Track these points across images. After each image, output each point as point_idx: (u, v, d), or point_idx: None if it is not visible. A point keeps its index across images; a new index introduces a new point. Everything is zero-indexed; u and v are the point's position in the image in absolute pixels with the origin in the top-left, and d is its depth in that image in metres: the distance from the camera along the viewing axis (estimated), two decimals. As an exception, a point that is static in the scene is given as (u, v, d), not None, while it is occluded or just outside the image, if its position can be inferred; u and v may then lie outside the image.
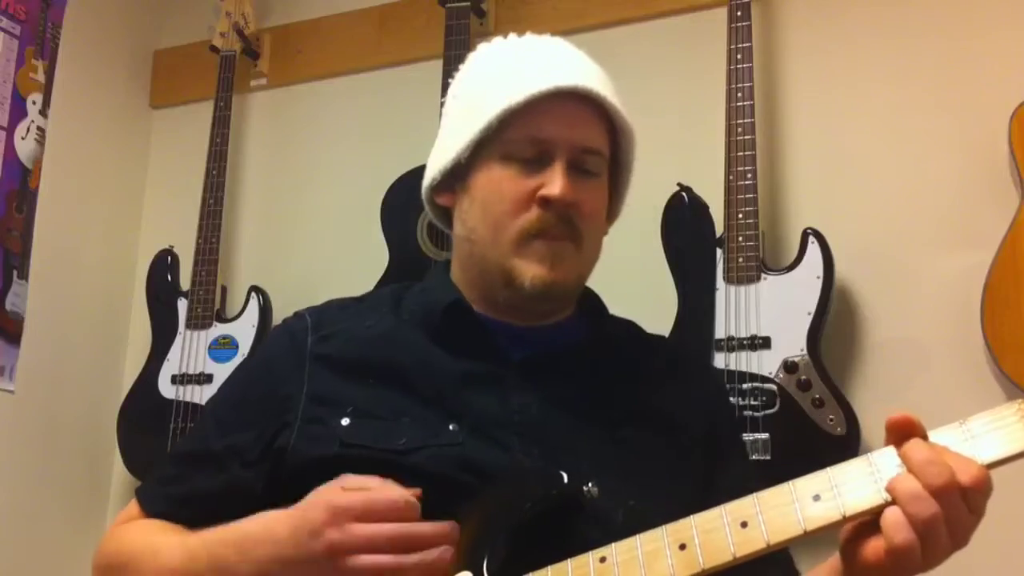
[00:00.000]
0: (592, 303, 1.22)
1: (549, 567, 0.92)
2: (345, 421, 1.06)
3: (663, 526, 0.89)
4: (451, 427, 1.05)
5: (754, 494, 0.86)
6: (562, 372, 1.12)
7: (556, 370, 1.12)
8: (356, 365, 1.11)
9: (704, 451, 1.13)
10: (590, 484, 0.98)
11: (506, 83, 1.11)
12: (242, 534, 1.00)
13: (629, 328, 1.26)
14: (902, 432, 0.84)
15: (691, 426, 1.14)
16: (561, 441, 1.06)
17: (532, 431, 1.06)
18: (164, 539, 1.07)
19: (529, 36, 1.20)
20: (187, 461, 1.16)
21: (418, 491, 0.95)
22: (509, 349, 1.12)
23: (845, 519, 0.83)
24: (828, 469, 0.85)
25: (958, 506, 0.81)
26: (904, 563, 0.82)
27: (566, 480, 0.98)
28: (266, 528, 0.98)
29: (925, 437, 0.84)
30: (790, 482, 0.86)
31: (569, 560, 0.92)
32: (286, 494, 1.06)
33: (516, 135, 1.10)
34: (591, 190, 1.12)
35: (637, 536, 0.89)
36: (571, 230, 1.10)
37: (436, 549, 0.91)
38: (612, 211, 1.20)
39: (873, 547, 0.84)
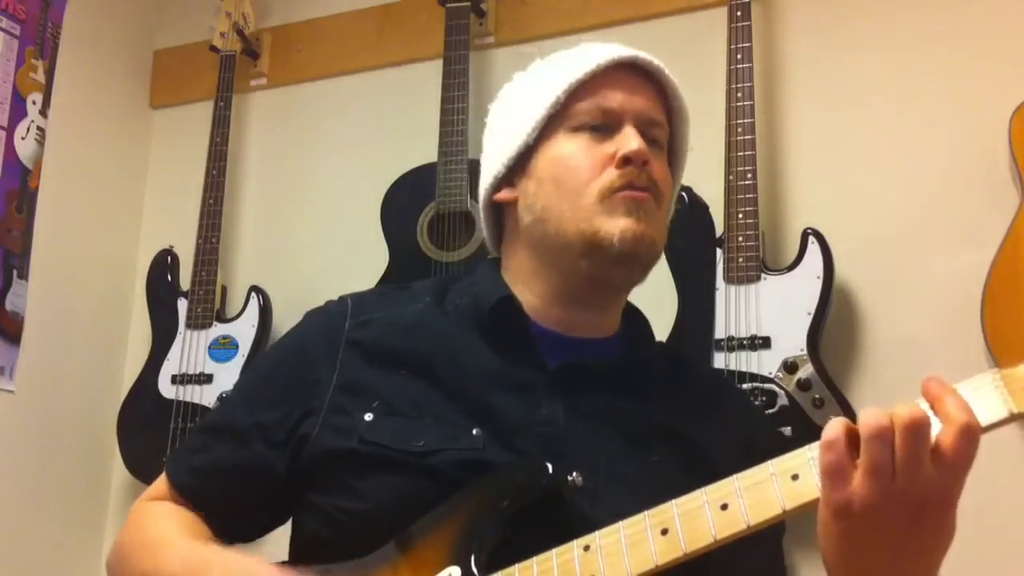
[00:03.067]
0: (639, 323, 1.20)
1: (534, 558, 0.92)
2: (368, 416, 1.05)
3: (645, 512, 0.89)
4: (474, 432, 1.03)
5: (734, 475, 0.86)
6: (596, 387, 1.09)
7: (590, 384, 1.09)
8: (389, 354, 1.10)
9: None
10: (574, 474, 0.97)
11: (568, 64, 1.12)
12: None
13: (673, 354, 1.25)
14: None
15: (720, 460, 1.09)
16: (582, 457, 1.03)
17: (554, 443, 1.04)
18: (168, 545, 1.08)
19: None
20: (212, 433, 1.16)
21: None
22: (547, 356, 1.10)
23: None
24: (807, 447, 0.85)
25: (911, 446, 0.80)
26: (848, 510, 0.81)
27: (551, 470, 0.98)
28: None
29: None
30: (769, 462, 0.86)
31: (554, 550, 0.92)
32: (305, 480, 1.07)
33: (583, 107, 1.10)
34: (660, 160, 1.13)
35: (620, 523, 0.89)
36: (652, 187, 1.09)
37: None
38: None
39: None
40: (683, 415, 1.12)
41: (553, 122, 1.11)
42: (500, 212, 1.19)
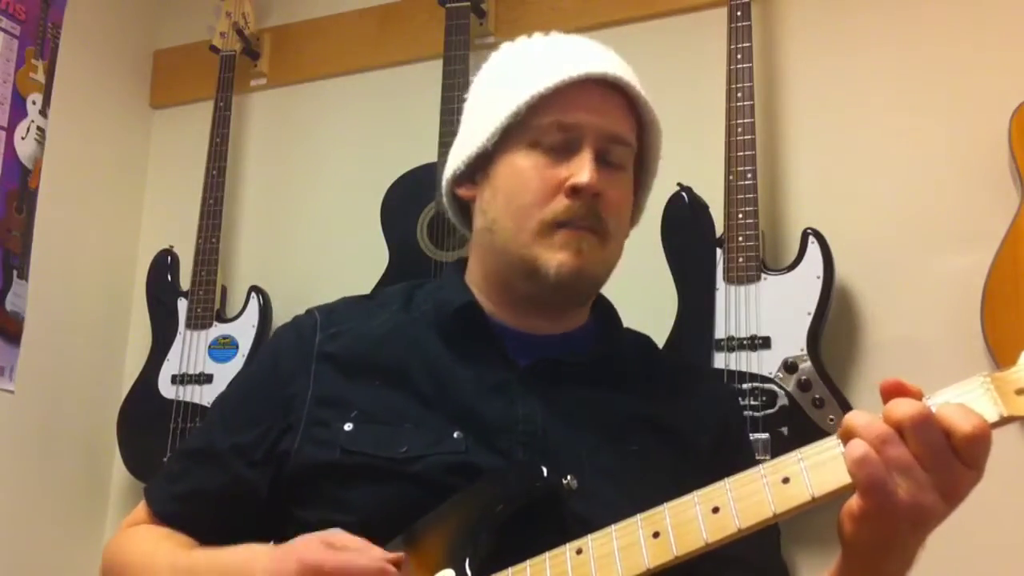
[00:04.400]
0: (607, 313, 1.20)
1: (527, 561, 0.92)
2: (348, 426, 1.05)
3: (637, 515, 0.89)
4: (455, 435, 1.04)
5: (725, 479, 0.86)
6: (569, 382, 1.10)
7: (563, 379, 1.10)
8: (362, 365, 1.10)
9: (710, 465, 1.12)
10: (569, 477, 0.98)
11: (534, 71, 1.10)
12: (223, 565, 1.01)
13: (642, 341, 1.25)
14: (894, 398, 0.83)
15: (698, 441, 1.12)
16: (565, 453, 1.04)
17: (536, 441, 1.04)
18: (159, 558, 1.08)
19: (555, 33, 1.19)
20: (192, 458, 1.15)
21: (400, 556, 0.94)
22: (517, 355, 1.10)
23: (814, 500, 0.83)
24: (798, 450, 0.85)
25: (934, 443, 0.79)
26: (882, 507, 0.80)
27: (546, 474, 0.98)
28: (244, 565, 0.99)
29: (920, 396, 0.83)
30: (760, 466, 0.86)
31: (547, 553, 0.92)
32: (289, 496, 1.07)
33: (543, 121, 1.08)
34: (618, 183, 1.11)
35: (612, 526, 0.90)
36: (597, 222, 1.08)
37: None
38: (633, 214, 1.19)
39: (849, 507, 0.83)
40: (657, 401, 1.13)
41: (513, 132, 1.10)
42: (464, 204, 1.19)
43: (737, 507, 0.84)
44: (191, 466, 1.14)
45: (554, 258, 1.06)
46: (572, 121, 1.08)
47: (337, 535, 0.96)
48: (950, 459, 0.79)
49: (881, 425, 0.80)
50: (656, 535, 0.87)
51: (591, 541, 0.90)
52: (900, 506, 0.79)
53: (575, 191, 1.06)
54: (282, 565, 0.94)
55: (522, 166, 1.09)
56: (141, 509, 1.16)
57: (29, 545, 2.34)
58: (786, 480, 0.84)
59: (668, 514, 0.87)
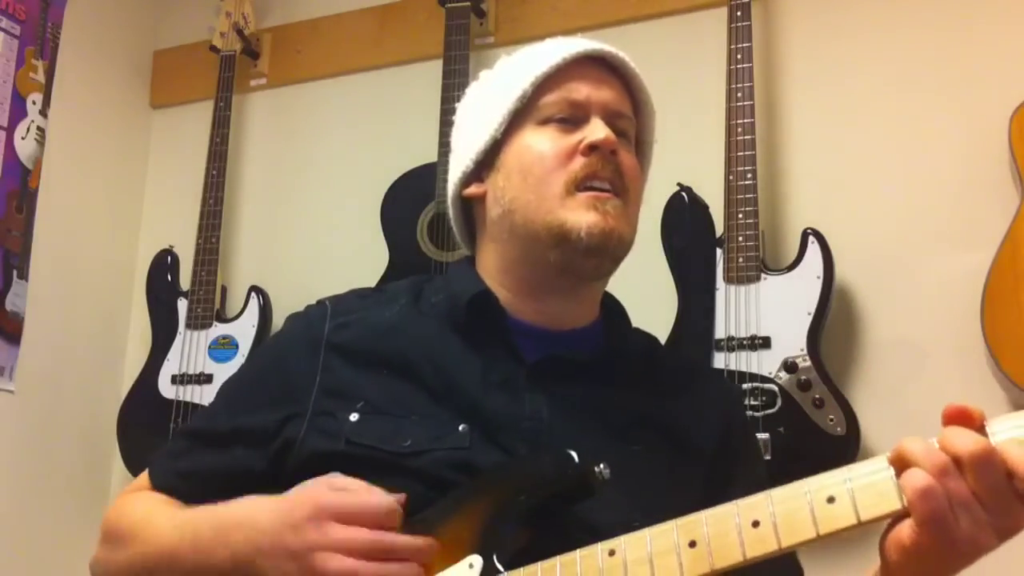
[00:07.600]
0: (616, 312, 1.20)
1: (558, 557, 0.91)
2: (354, 417, 1.05)
3: (674, 520, 0.86)
4: (460, 428, 1.04)
5: (767, 492, 0.83)
6: (576, 379, 1.10)
7: (570, 376, 1.09)
8: (371, 355, 1.10)
9: (715, 467, 1.11)
10: (602, 466, 0.95)
11: (535, 58, 1.13)
12: (225, 516, 1.01)
13: (649, 342, 1.25)
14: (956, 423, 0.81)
15: (703, 444, 1.12)
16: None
17: (540, 438, 1.04)
18: (159, 514, 1.08)
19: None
20: (195, 438, 1.15)
21: (402, 497, 0.95)
22: (526, 350, 1.10)
23: (860, 523, 0.80)
24: (845, 469, 0.82)
25: (996, 484, 0.77)
26: (941, 542, 0.78)
27: (577, 460, 0.96)
28: (249, 514, 0.99)
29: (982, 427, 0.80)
30: (804, 481, 0.83)
31: (578, 551, 0.90)
32: (291, 484, 1.06)
33: (550, 100, 1.11)
34: (627, 151, 1.13)
35: (647, 529, 0.87)
36: (618, 179, 1.09)
37: (405, 565, 0.92)
38: None
39: (899, 536, 0.81)
40: (662, 402, 1.13)
41: (520, 116, 1.12)
42: (470, 208, 1.19)
43: (779, 523, 0.81)
44: (194, 445, 1.14)
45: (583, 219, 1.06)
46: (578, 97, 1.10)
47: (337, 478, 0.97)
48: (1010, 501, 0.77)
49: (941, 456, 0.77)
50: (693, 544, 0.84)
51: (624, 544, 0.88)
52: (959, 543, 0.78)
53: (592, 148, 1.08)
54: (292, 509, 0.95)
55: (534, 141, 1.10)
56: (143, 479, 1.16)
57: (29, 545, 2.34)
58: (831, 499, 0.80)
59: (706, 523, 0.84)
